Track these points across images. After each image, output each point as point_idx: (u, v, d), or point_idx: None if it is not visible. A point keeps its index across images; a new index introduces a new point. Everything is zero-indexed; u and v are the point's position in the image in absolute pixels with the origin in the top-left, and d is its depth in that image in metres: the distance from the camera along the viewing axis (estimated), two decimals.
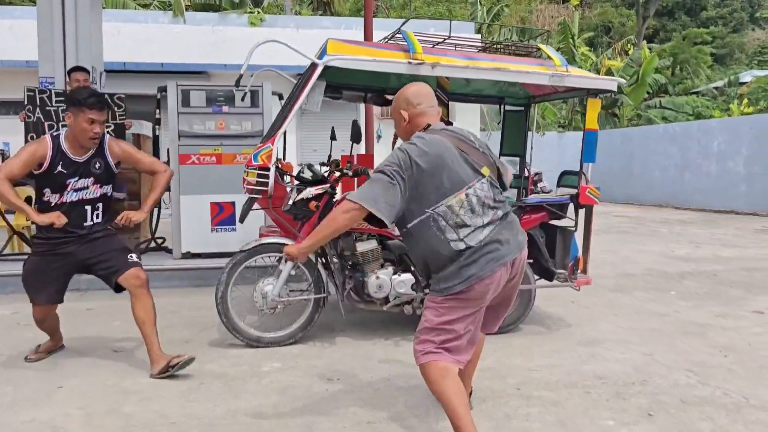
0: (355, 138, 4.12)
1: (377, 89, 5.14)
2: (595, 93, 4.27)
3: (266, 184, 3.86)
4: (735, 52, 37.21)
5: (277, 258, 4.01)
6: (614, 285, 6.01)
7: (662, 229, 10.89)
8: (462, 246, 2.39)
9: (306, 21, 16.87)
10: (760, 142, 13.76)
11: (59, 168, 3.48)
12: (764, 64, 34.18)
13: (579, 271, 4.43)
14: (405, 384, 3.36)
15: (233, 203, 6.40)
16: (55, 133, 3.58)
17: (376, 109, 11.18)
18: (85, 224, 3.59)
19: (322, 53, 3.90)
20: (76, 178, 3.53)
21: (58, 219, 3.40)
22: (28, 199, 7.66)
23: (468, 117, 15.05)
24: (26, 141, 5.73)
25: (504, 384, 3.35)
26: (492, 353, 3.84)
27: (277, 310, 4.01)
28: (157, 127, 6.77)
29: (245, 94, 5.61)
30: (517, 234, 2.55)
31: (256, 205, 4.20)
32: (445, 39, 4.37)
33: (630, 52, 26.78)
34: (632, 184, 17.88)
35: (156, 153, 6.82)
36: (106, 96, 5.80)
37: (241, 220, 4.23)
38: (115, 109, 5.81)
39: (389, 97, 5.32)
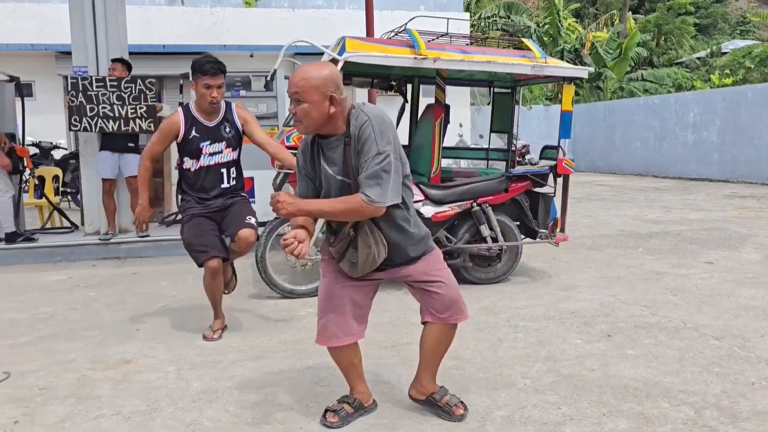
0: None
1: (382, 76, 5.91)
2: (569, 79, 5.05)
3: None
4: (718, 22, 37.81)
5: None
6: (591, 244, 6.87)
7: (639, 197, 11.77)
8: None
9: (299, 0, 17.37)
10: (731, 112, 14.62)
11: (193, 133, 3.77)
12: (746, 34, 34.92)
13: (558, 229, 5.27)
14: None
15: (252, 178, 7.14)
16: (184, 103, 3.94)
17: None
18: (222, 186, 3.88)
19: (341, 50, 4.63)
20: (209, 142, 3.81)
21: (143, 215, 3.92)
22: (55, 178, 8.41)
23: (459, 94, 15.78)
24: (69, 123, 6.42)
25: (496, 318, 4.19)
26: (486, 297, 4.69)
27: (307, 267, 4.82)
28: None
29: (272, 77, 6.23)
30: None
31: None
32: (440, 35, 5.13)
33: (615, 24, 27.47)
34: (614, 154, 18.75)
35: None
36: (140, 79, 6.53)
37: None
38: (147, 92, 6.49)
39: (393, 83, 6.09)
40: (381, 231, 2.47)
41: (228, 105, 3.94)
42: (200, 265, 3.81)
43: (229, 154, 3.90)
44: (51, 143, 11.33)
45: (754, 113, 14.01)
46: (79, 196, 9.69)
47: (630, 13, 30.58)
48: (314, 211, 2.40)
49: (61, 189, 8.85)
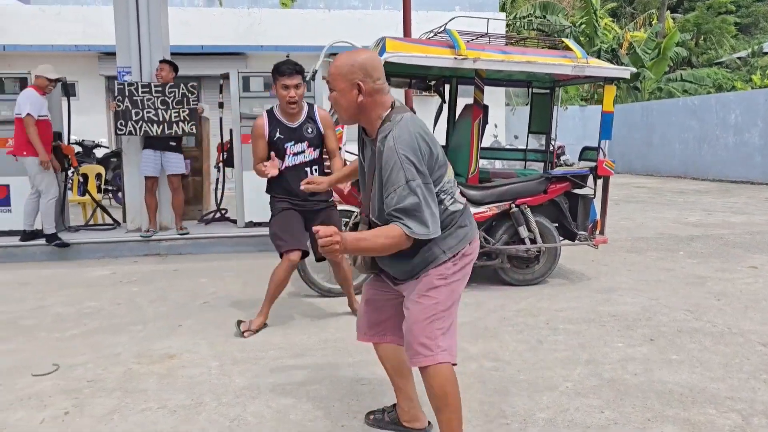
0: None
1: (420, 76, 5.92)
2: (611, 80, 4.98)
3: None
4: (760, 21, 36.84)
5: (344, 222, 4.83)
6: (630, 247, 6.76)
7: (678, 199, 11.53)
8: (459, 206, 2.29)
9: (335, 1, 17.47)
10: None
11: (277, 134, 3.93)
12: None
13: (597, 231, 5.21)
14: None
15: None
16: (268, 108, 4.07)
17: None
18: None
19: (381, 50, 4.65)
20: (293, 143, 3.95)
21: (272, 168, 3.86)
22: (98, 175, 8.60)
23: (495, 95, 15.68)
24: (116, 127, 6.60)
25: (536, 320, 4.16)
26: (525, 299, 4.65)
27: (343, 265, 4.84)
28: (220, 110, 7.60)
29: (312, 77, 6.22)
30: None
31: None
32: (479, 36, 5.11)
33: (653, 24, 26.98)
34: (652, 156, 18.41)
35: (221, 134, 7.68)
36: (183, 84, 6.66)
37: None
38: (189, 95, 6.62)
39: (431, 83, 6.10)
40: None
41: (311, 106, 4.08)
42: (281, 255, 3.96)
43: (310, 154, 4.02)
44: (93, 142, 11.60)
45: None
46: (119, 194, 9.94)
47: (668, 12, 29.98)
48: (361, 248, 2.13)
49: (102, 187, 9.05)
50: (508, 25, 21.63)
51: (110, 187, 10.32)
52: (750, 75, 23.46)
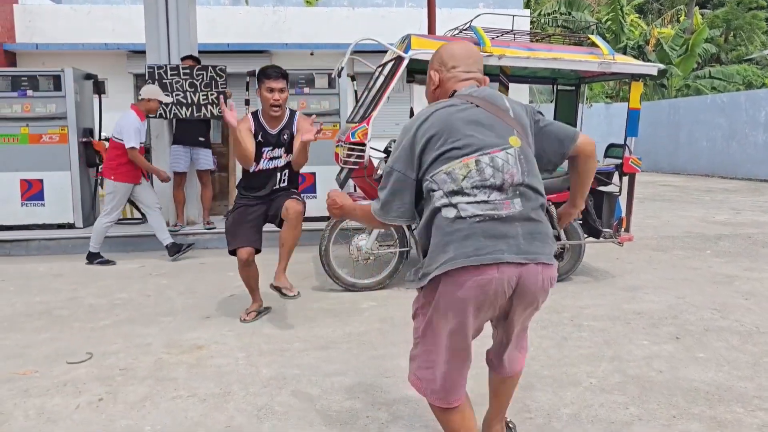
0: None
1: None
2: (638, 77, 4.95)
3: (362, 158, 4.71)
4: None
5: None
6: (655, 245, 6.71)
7: (705, 197, 11.38)
8: (452, 213, 1.93)
9: None
10: None
11: (259, 138, 4.04)
12: None
13: (622, 229, 5.18)
14: None
15: (314, 174, 7.29)
16: (253, 111, 4.16)
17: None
18: (274, 187, 4.13)
19: (407, 47, 4.68)
20: (271, 148, 4.07)
21: None
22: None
23: (519, 92, 15.60)
24: None
25: (560, 317, 4.17)
26: (549, 296, 4.64)
27: (369, 261, 4.90)
28: (246, 106, 7.70)
29: (338, 73, 6.27)
30: (541, 243, 1.98)
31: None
32: (505, 33, 5.12)
33: (681, 20, 26.58)
34: (679, 154, 18.17)
35: None
36: (211, 66, 6.76)
37: (341, 187, 5.11)
38: (218, 78, 6.73)
39: None
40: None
41: (292, 114, 4.17)
42: (231, 253, 4.13)
43: (284, 159, 4.13)
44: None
45: None
46: None
47: (697, 8, 29.50)
48: (352, 214, 2.30)
49: None
50: (532, 22, 21.48)
51: None
52: None
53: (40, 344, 3.77)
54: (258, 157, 4.07)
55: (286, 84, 4.01)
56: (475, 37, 4.81)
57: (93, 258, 6.13)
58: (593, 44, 5.10)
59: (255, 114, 4.13)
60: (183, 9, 7.17)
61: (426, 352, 2.07)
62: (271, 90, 3.94)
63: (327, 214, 4.97)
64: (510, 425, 2.54)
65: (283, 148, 4.11)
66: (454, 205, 1.92)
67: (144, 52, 7.29)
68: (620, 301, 4.55)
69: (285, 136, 4.10)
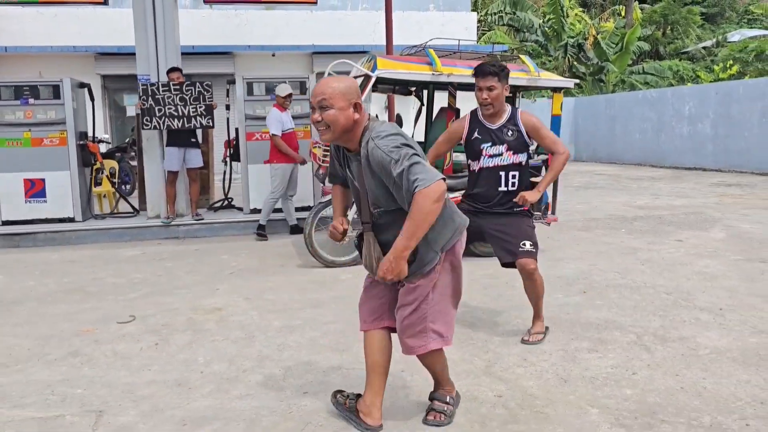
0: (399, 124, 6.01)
1: (403, 84, 7.04)
2: (558, 89, 6.14)
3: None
4: (726, 10, 38.30)
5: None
6: (581, 226, 7.98)
7: (633, 185, 12.84)
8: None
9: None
10: (724, 106, 15.62)
11: (475, 134, 3.88)
12: (754, 23, 35.53)
13: (549, 212, 6.39)
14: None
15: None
16: (473, 109, 3.99)
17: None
18: (499, 189, 3.86)
19: (374, 66, 5.75)
20: (489, 144, 3.84)
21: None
22: (111, 169, 9.55)
23: (467, 96, 16.79)
24: (141, 124, 7.62)
25: (497, 281, 5.33)
26: (490, 267, 5.78)
27: (344, 242, 5.96)
28: (227, 111, 8.64)
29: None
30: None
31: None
32: (452, 53, 6.25)
33: (622, 14, 28.31)
34: (615, 145, 19.78)
35: (228, 132, 8.71)
36: (199, 83, 7.68)
37: (322, 183, 6.16)
38: (205, 93, 7.66)
39: (411, 89, 7.22)
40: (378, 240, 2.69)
41: (514, 110, 3.95)
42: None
43: (509, 158, 3.86)
44: (97, 138, 12.50)
45: (745, 107, 15.01)
46: (124, 186, 10.93)
47: (636, 2, 31.26)
48: (411, 245, 2.46)
49: (116, 180, 10.01)
50: (480, 21, 22.80)
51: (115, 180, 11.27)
52: (714, 65, 24.82)
53: (86, 312, 4.71)
54: (477, 154, 3.91)
55: (497, 80, 3.73)
56: (428, 58, 5.91)
57: (262, 229, 7.44)
58: (524, 62, 6.27)
59: (474, 111, 3.98)
60: (169, 23, 8.06)
61: (448, 308, 2.75)
62: (480, 89, 3.77)
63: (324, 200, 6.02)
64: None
65: (504, 145, 3.85)
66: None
67: (111, 54, 8.17)
68: (545, 268, 5.68)
69: (509, 133, 3.86)
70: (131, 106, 13.16)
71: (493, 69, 3.72)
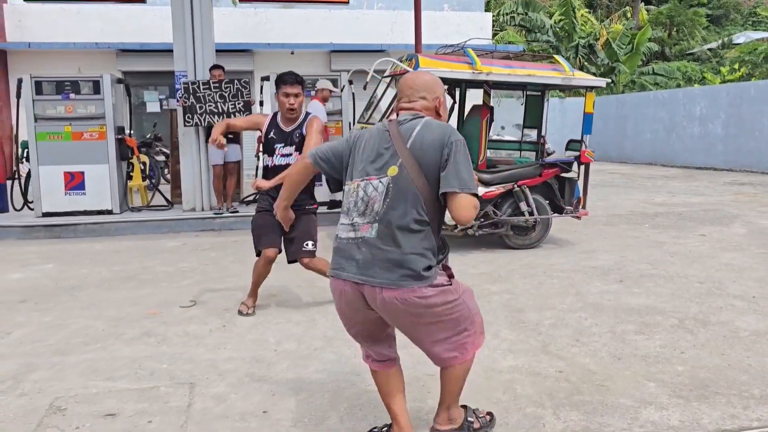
0: None
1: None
2: (591, 88, 6.37)
3: None
4: (730, 12, 38.48)
5: None
6: (605, 221, 8.21)
7: (648, 183, 13.06)
8: (338, 230, 2.36)
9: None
10: (735, 107, 15.82)
11: (271, 134, 4.37)
12: (758, 25, 35.73)
13: (580, 206, 6.62)
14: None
15: None
16: (274, 111, 4.48)
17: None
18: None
19: (416, 65, 5.97)
20: (282, 145, 4.34)
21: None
22: (143, 163, 9.75)
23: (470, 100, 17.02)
24: (184, 120, 7.87)
25: (535, 271, 5.56)
26: (525, 258, 6.06)
27: None
28: (261, 107, 8.91)
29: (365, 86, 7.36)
30: (380, 269, 2.17)
31: None
32: (487, 53, 6.48)
33: (629, 16, 28.54)
34: (626, 144, 20.00)
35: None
36: (237, 80, 7.93)
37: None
38: (243, 90, 7.91)
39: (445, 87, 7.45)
40: None
41: (306, 115, 4.40)
42: (258, 253, 4.48)
43: (295, 157, 4.30)
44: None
45: (756, 108, 15.21)
46: (151, 180, 11.17)
47: (642, 4, 31.47)
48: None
49: (147, 173, 10.25)
50: (493, 21, 23.00)
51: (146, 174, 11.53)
52: (719, 66, 25.03)
53: (147, 297, 4.95)
54: (271, 152, 4.37)
55: (302, 89, 4.29)
56: (467, 57, 6.14)
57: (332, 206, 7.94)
58: (557, 62, 6.49)
59: (275, 114, 4.48)
60: (207, 22, 8.31)
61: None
62: (287, 95, 4.23)
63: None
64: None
65: (294, 146, 4.33)
66: (341, 223, 2.33)
67: (132, 51, 8.35)
68: (579, 259, 5.98)
69: (296, 135, 4.33)
70: (152, 102, 13.41)
71: (299, 78, 4.27)
